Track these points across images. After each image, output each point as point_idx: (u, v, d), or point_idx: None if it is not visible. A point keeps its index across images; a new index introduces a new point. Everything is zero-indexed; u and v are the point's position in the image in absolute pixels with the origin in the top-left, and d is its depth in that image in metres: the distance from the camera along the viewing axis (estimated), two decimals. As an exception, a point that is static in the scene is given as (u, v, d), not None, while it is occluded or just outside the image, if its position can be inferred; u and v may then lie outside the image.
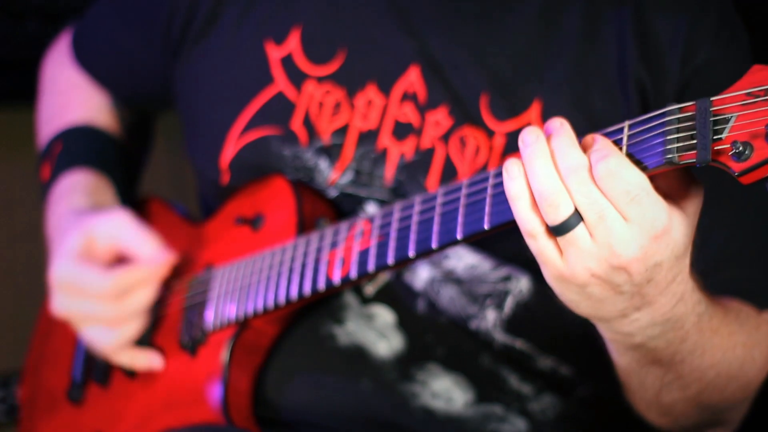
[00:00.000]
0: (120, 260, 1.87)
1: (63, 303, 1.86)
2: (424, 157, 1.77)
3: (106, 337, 1.86)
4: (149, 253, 1.85)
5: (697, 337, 1.49)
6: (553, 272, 1.37)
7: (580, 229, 1.32)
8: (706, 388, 1.59)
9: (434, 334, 1.79)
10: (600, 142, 1.33)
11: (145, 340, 1.91)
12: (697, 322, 1.48)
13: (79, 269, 1.84)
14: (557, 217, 1.32)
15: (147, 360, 1.89)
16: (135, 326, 1.87)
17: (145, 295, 1.86)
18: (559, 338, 1.78)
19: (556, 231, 1.33)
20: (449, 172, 1.76)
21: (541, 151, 1.34)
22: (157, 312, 1.91)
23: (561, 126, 1.35)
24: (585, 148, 1.34)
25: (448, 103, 1.76)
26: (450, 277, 1.78)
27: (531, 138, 1.35)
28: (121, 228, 1.86)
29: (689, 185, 1.36)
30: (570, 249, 1.33)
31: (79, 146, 2.08)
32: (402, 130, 1.78)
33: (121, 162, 2.12)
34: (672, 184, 1.35)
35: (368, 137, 1.80)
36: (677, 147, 1.29)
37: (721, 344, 1.55)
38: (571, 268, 1.34)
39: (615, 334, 1.46)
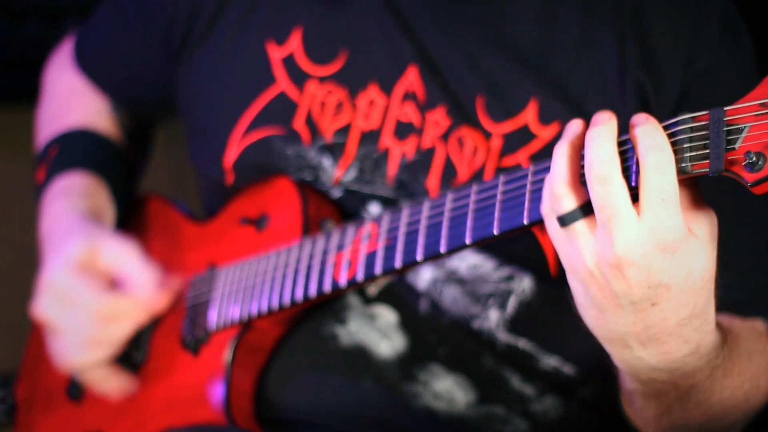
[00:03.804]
0: (113, 285, 1.86)
1: (47, 307, 1.85)
2: (425, 157, 1.77)
3: (75, 353, 1.85)
4: (147, 292, 1.83)
5: (708, 383, 1.47)
6: (562, 261, 1.36)
7: (580, 225, 1.32)
8: (710, 419, 1.57)
9: (437, 335, 1.80)
10: (655, 128, 1.30)
11: (146, 339, 1.91)
12: (711, 374, 1.46)
13: (77, 280, 1.82)
14: (560, 209, 1.33)
15: (118, 384, 1.89)
16: (104, 353, 1.85)
17: (127, 327, 1.84)
18: (562, 337, 1.78)
19: (561, 221, 1.33)
20: (449, 173, 1.76)
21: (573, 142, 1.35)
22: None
23: (609, 119, 1.33)
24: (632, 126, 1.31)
25: (446, 104, 1.76)
26: (453, 277, 1.78)
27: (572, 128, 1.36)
28: (129, 258, 1.84)
29: (702, 210, 1.33)
30: (574, 242, 1.33)
31: (75, 149, 2.07)
32: (403, 130, 1.79)
33: (118, 165, 2.11)
34: (686, 206, 1.33)
35: (370, 137, 1.80)
36: (690, 156, 1.29)
37: (731, 383, 1.53)
38: (572, 258, 1.34)
39: (621, 364, 1.43)
